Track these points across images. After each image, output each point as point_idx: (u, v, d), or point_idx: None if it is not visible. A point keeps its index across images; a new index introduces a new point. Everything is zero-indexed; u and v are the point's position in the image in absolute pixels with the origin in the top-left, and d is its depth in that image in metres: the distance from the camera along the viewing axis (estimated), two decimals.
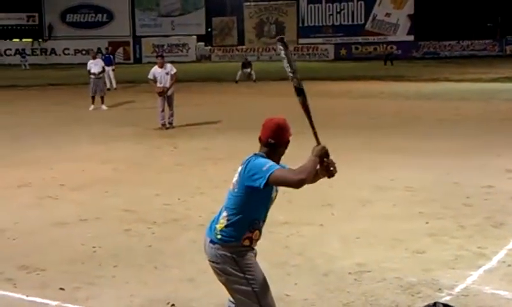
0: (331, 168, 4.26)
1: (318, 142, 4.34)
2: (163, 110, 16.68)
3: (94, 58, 23.01)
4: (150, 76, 16.81)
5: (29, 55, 55.25)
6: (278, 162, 4.30)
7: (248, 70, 32.97)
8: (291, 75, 4.45)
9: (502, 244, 7.12)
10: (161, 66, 16.71)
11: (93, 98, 21.92)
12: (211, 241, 4.34)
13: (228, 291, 4.42)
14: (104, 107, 21.93)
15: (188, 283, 6.17)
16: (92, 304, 5.72)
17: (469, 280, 6.12)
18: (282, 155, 4.37)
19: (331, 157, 4.26)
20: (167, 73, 16.62)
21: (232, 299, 4.46)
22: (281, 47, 4.45)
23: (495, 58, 46.65)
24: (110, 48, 47.55)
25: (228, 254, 4.27)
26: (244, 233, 4.27)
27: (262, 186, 4.08)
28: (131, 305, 5.67)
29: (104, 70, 22.86)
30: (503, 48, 51.16)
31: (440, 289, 5.90)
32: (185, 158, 12.83)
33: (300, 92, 4.44)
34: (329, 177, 4.31)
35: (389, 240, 7.33)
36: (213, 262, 4.35)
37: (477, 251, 6.93)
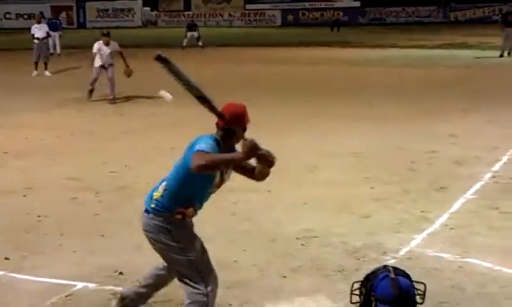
0: (270, 159, 4.18)
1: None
2: (96, 79, 16.32)
3: (38, 23, 22.38)
4: (95, 50, 16.22)
5: None
6: (233, 146, 4.28)
7: (195, 33, 32.10)
8: (185, 87, 4.21)
9: (445, 208, 7.30)
10: (107, 44, 16.24)
11: (36, 63, 21.37)
12: (146, 210, 4.36)
13: (165, 261, 4.44)
14: (47, 73, 21.44)
15: (135, 250, 6.14)
16: (39, 273, 5.66)
17: (413, 243, 6.28)
18: (238, 141, 4.27)
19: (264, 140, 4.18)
20: (111, 52, 16.15)
21: (159, 265, 4.51)
22: (162, 65, 4.13)
23: (440, 25, 47.25)
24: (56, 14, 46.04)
25: (161, 224, 4.26)
26: (177, 207, 4.25)
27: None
28: (79, 273, 5.62)
29: (48, 35, 22.28)
30: (447, 15, 51.83)
31: (384, 252, 6.03)
32: (132, 125, 12.70)
33: (202, 99, 4.21)
34: (270, 167, 4.23)
35: (336, 206, 7.44)
36: (147, 232, 4.37)
37: (420, 215, 7.09)
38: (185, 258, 4.27)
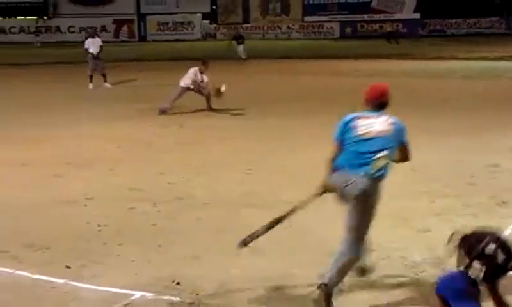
0: None
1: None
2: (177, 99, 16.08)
3: (92, 37, 22.71)
4: (191, 75, 15.91)
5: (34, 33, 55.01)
6: None
7: (241, 46, 31.65)
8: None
9: (507, 223, 7.11)
10: (202, 72, 16.00)
11: (91, 76, 21.68)
12: (369, 175, 5.01)
13: (355, 223, 5.11)
14: (106, 84, 21.82)
15: (193, 260, 6.19)
16: (98, 282, 5.74)
17: None
18: None
19: None
20: (203, 81, 15.87)
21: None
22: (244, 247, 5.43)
23: (502, 36, 46.31)
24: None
25: (379, 189, 5.12)
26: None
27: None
28: (136, 283, 5.69)
29: (101, 50, 22.25)
30: (509, 26, 50.78)
31: (444, 268, 5.90)
32: (190, 137, 12.82)
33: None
34: None
35: (394, 219, 7.33)
36: (365, 195, 5.02)
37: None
38: (371, 218, 5.15)
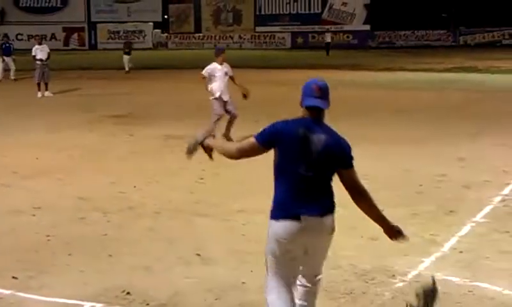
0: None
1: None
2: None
3: (40, 44, 22.44)
4: (206, 73, 12.67)
5: None
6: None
7: (127, 57, 30.21)
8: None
9: (454, 231, 7.26)
10: (221, 63, 12.60)
11: (38, 85, 21.51)
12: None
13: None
14: (47, 93, 21.54)
15: (143, 271, 6.15)
16: (46, 293, 5.65)
17: (421, 267, 6.24)
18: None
19: None
20: (226, 73, 12.60)
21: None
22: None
23: (449, 48, 47.37)
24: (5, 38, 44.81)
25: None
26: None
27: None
28: (86, 293, 5.62)
29: (49, 57, 22.04)
30: (456, 39, 51.95)
31: (393, 275, 6.00)
32: (141, 146, 12.74)
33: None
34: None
35: (344, 228, 7.39)
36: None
37: (429, 238, 7.05)
38: None
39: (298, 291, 4.51)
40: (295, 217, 4.17)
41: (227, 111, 12.65)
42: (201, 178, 9.65)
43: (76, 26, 58.22)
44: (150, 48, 54.78)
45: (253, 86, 13.57)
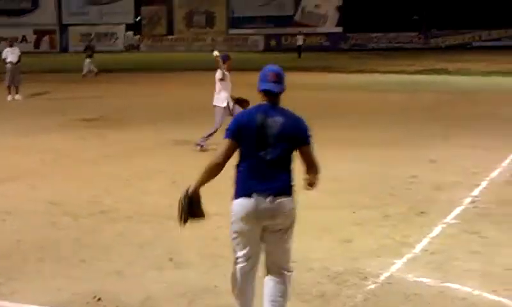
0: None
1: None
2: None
3: (11, 46, 22.25)
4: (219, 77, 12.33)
5: None
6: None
7: (88, 59, 28.83)
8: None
9: (425, 232, 7.33)
10: (229, 69, 12.50)
11: (9, 87, 21.28)
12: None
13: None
14: (17, 96, 21.32)
15: (115, 275, 6.11)
16: (17, 299, 5.60)
17: (393, 268, 6.29)
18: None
19: None
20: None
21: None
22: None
23: (420, 50, 47.74)
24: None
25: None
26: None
27: None
28: (57, 299, 5.57)
29: (20, 59, 21.69)
30: (427, 41, 52.43)
31: (365, 277, 6.03)
32: (114, 149, 12.66)
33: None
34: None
35: (316, 230, 7.44)
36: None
37: (401, 239, 7.11)
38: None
39: (268, 288, 4.73)
40: (248, 194, 4.54)
41: (232, 115, 11.97)
42: (174, 181, 9.62)
43: (47, 29, 57.72)
44: (122, 51, 54.46)
45: None
